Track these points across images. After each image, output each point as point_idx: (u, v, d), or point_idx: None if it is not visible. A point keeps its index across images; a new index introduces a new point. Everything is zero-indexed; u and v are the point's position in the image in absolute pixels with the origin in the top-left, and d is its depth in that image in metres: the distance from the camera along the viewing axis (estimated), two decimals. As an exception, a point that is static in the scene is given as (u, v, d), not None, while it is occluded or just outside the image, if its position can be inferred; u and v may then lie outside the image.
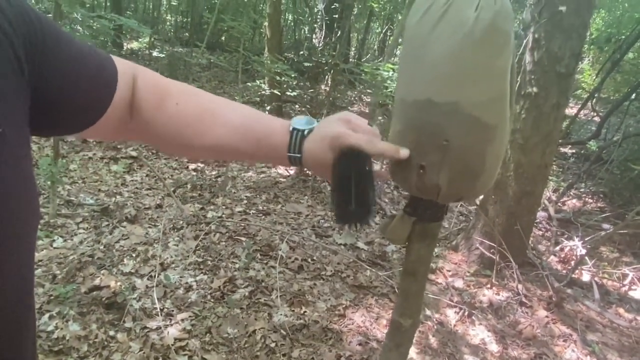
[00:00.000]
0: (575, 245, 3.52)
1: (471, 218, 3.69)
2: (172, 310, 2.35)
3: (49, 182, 2.93)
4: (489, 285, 2.96)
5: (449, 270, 3.19)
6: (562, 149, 7.25)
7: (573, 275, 3.17)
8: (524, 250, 3.23)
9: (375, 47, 13.36)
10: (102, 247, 2.71)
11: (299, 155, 0.61)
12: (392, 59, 6.22)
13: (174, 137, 0.64)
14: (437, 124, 0.55)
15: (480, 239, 3.26)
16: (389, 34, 11.95)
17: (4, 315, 0.45)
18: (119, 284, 2.42)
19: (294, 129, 0.62)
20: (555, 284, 2.92)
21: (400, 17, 9.46)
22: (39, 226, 0.49)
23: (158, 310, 2.30)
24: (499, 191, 3.18)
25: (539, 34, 2.83)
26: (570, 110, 8.88)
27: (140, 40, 8.55)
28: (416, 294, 0.71)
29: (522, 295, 2.86)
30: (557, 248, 3.65)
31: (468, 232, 3.42)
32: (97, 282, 2.42)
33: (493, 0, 0.50)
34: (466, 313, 2.68)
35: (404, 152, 0.57)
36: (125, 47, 8.12)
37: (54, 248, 2.63)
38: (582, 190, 5.35)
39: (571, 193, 5.19)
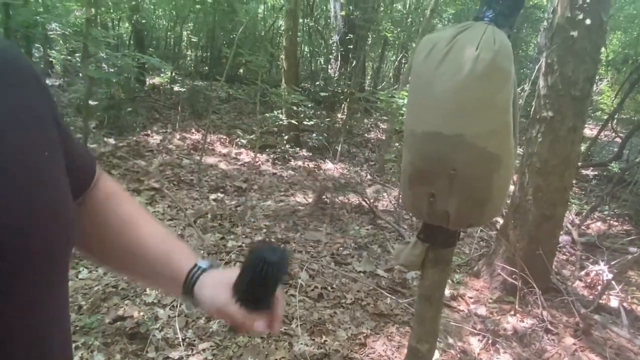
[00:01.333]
0: (602, 270, 3.43)
1: (492, 243, 3.65)
2: (194, 340, 2.37)
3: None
4: (512, 312, 2.91)
5: (471, 297, 3.14)
6: (584, 171, 7.15)
7: (600, 301, 3.08)
8: (548, 275, 3.18)
9: (391, 74, 13.52)
10: (125, 278, 2.77)
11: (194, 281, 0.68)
12: (407, 86, 6.30)
13: (103, 226, 0.70)
14: (444, 154, 0.58)
15: (501, 264, 3.21)
16: (403, 61, 12.11)
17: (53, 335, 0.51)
18: (142, 314, 2.46)
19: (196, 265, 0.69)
20: (582, 310, 2.85)
21: (414, 45, 9.58)
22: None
23: (180, 340, 2.32)
24: (518, 216, 3.15)
25: (552, 59, 2.86)
26: (591, 132, 8.79)
27: (162, 75, 8.85)
28: (432, 319, 0.72)
29: (547, 322, 2.79)
30: (583, 273, 3.57)
31: (489, 257, 3.38)
32: (120, 312, 2.46)
33: (492, 40, 0.54)
34: (490, 341, 2.63)
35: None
36: (147, 83, 8.41)
37: (80, 279, 2.70)
38: (606, 212, 5.24)
39: (595, 216, 5.09)
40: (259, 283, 0.62)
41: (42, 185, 0.46)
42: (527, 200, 3.09)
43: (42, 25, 6.91)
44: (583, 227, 4.69)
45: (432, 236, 0.68)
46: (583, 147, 5.59)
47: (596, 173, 7.13)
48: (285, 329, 2.54)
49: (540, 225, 3.08)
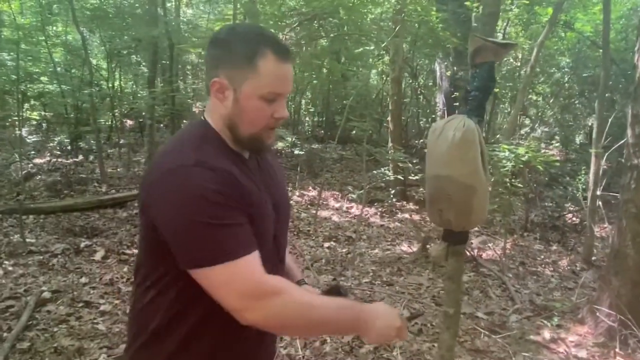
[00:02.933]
0: None
1: (595, 290, 3.65)
2: (311, 358, 2.87)
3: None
4: (612, 355, 2.93)
5: (572, 341, 3.20)
6: None
7: None
8: (657, 322, 3.12)
9: (504, 127, 13.42)
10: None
11: None
12: (511, 137, 6.44)
13: None
14: (443, 186, 1.06)
15: (606, 310, 3.24)
16: (520, 113, 12.03)
17: None
18: (270, 334, 3.04)
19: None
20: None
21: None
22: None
23: (301, 356, 2.84)
24: (619, 261, 3.20)
25: (637, 110, 3.02)
26: None
27: (284, 140, 10.05)
28: (455, 291, 1.16)
29: (653, 368, 2.78)
30: None
31: (593, 303, 3.41)
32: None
33: (462, 125, 1.03)
34: (587, 381, 2.71)
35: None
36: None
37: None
38: None
39: None
40: None
41: (286, 193, 1.15)
42: (626, 245, 3.15)
43: (190, 105, 8.51)
44: None
45: (449, 237, 1.14)
46: None
47: None
48: (387, 356, 2.92)
49: (642, 270, 3.09)
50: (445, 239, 1.15)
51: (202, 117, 1.05)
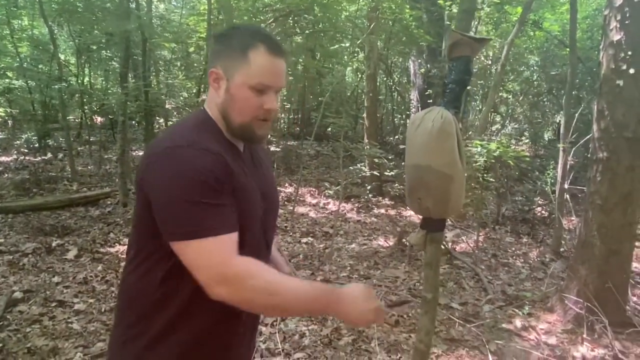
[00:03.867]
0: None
1: (563, 280, 3.79)
2: (290, 351, 2.89)
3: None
4: (581, 341, 3.05)
5: (542, 329, 3.32)
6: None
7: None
8: (622, 308, 3.26)
9: (476, 124, 13.71)
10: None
11: None
12: (483, 134, 6.61)
13: None
14: (422, 176, 1.10)
15: (574, 297, 3.37)
16: (491, 110, 12.31)
17: None
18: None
19: None
20: (656, 341, 2.92)
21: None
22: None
23: (280, 349, 2.86)
24: (585, 251, 3.34)
25: (602, 106, 3.15)
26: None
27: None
28: (433, 277, 1.20)
29: (617, 352, 2.91)
30: (667, 311, 3.55)
31: (561, 292, 3.54)
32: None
33: (440, 116, 1.07)
34: (557, 366, 2.82)
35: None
36: (247, 145, 9.57)
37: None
38: None
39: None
40: None
41: (275, 189, 1.18)
42: (592, 235, 3.28)
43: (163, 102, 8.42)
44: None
45: (427, 225, 1.18)
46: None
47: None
48: (365, 347, 2.97)
49: (607, 259, 3.23)
50: (423, 227, 1.19)
51: (202, 107, 1.12)
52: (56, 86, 7.02)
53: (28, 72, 7.78)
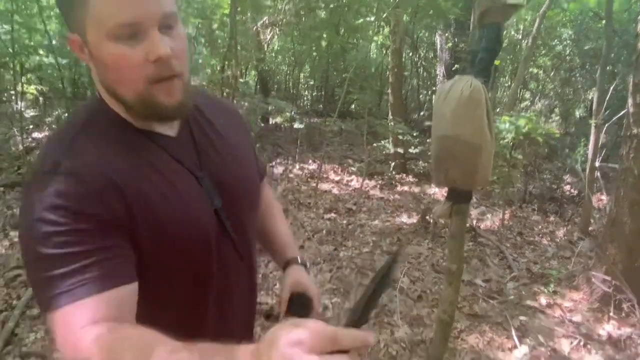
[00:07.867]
0: None
1: (591, 259, 3.73)
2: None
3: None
4: (606, 319, 3.02)
5: (567, 307, 3.29)
6: None
7: None
8: (652, 288, 3.20)
9: (505, 100, 13.38)
10: (260, 277, 3.48)
11: None
12: (511, 110, 6.44)
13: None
14: (450, 146, 1.09)
15: (602, 276, 3.31)
16: (520, 86, 11.98)
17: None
18: (274, 301, 3.12)
19: None
20: (687, 322, 2.86)
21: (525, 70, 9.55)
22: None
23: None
24: (615, 230, 3.26)
25: (638, 79, 3.03)
26: None
27: (283, 115, 10.01)
28: (457, 249, 1.20)
29: (645, 331, 2.87)
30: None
31: (589, 270, 3.49)
32: (258, 300, 3.15)
33: (469, 85, 1.05)
34: (582, 343, 2.80)
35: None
36: (270, 122, 9.59)
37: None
38: None
39: None
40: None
41: (246, 163, 1.00)
42: (623, 213, 3.20)
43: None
44: None
45: (453, 196, 1.17)
46: None
47: None
48: (387, 320, 3.01)
49: (638, 238, 3.15)
50: (449, 198, 1.18)
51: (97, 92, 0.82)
52: (84, 63, 7.11)
53: (57, 50, 7.91)
